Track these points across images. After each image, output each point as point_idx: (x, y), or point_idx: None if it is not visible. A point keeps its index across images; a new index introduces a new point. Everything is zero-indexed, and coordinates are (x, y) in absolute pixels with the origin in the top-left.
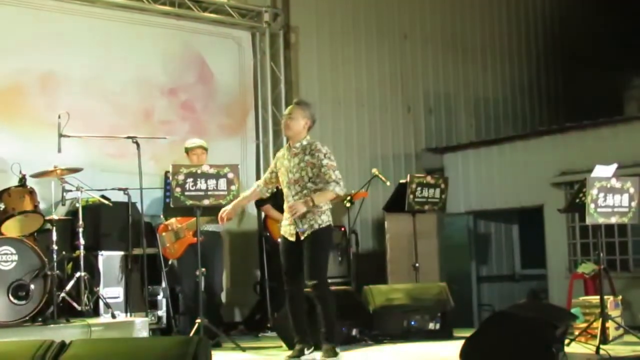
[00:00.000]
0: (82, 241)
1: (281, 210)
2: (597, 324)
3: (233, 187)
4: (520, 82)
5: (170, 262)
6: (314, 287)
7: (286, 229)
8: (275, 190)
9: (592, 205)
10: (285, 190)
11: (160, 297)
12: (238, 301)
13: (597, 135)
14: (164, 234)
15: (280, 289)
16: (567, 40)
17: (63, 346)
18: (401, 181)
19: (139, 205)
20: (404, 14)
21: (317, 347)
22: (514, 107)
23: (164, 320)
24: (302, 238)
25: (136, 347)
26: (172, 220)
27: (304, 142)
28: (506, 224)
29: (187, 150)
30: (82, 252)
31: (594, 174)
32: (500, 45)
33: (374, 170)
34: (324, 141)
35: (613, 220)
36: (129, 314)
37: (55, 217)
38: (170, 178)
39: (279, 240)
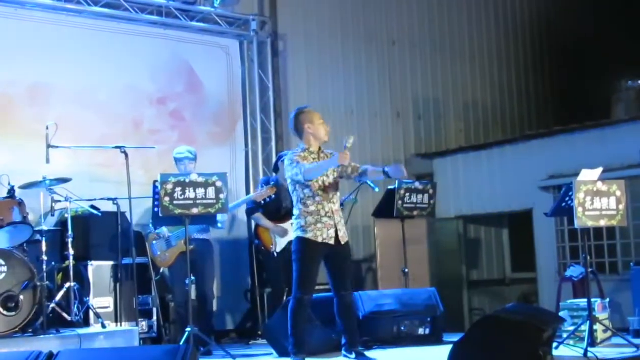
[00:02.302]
0: (71, 251)
1: (271, 219)
2: (585, 327)
3: (222, 196)
4: (509, 87)
5: (161, 271)
6: (351, 294)
7: (324, 232)
8: (269, 199)
9: (580, 209)
10: (321, 193)
11: (150, 306)
12: (229, 309)
13: (585, 138)
14: (154, 242)
15: (273, 296)
16: (555, 45)
17: (50, 357)
18: (389, 187)
19: (128, 215)
20: (392, 20)
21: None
22: (502, 111)
23: (155, 329)
24: (342, 243)
25: (124, 356)
26: (164, 229)
27: (321, 148)
28: (496, 228)
29: (176, 160)
30: (71, 262)
31: (579, 178)
32: (488, 50)
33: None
34: None
35: (602, 223)
36: (119, 324)
37: (44, 227)
38: (159, 187)
39: (304, 246)
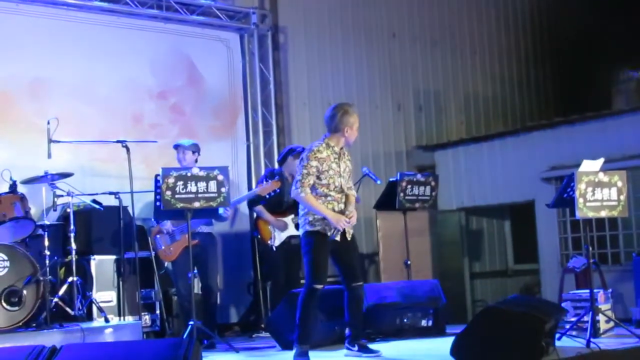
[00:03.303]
0: (74, 246)
1: (272, 212)
2: (588, 318)
3: (223, 189)
4: (510, 78)
5: (165, 265)
6: (362, 286)
7: (332, 229)
8: (273, 193)
9: (581, 200)
10: (333, 194)
11: (153, 299)
12: (232, 302)
13: (586, 129)
14: (158, 236)
15: (274, 290)
16: (555, 36)
17: (54, 351)
18: (391, 179)
19: (130, 209)
20: (392, 12)
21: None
22: (503, 103)
23: (158, 323)
24: (349, 238)
25: (127, 350)
26: (167, 222)
27: (342, 148)
28: (498, 219)
29: (176, 147)
30: (74, 256)
31: (581, 169)
32: (489, 41)
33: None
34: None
35: (603, 214)
36: (122, 318)
37: (46, 222)
38: (161, 181)
39: (315, 238)
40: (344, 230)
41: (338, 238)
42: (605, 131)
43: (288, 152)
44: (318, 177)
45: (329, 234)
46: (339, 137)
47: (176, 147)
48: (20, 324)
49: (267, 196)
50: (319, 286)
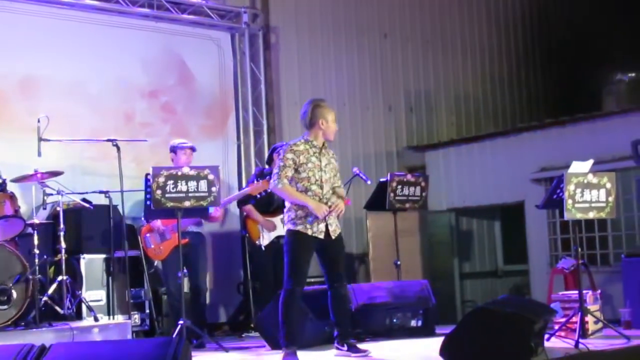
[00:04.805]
0: (63, 245)
1: (261, 212)
2: (576, 318)
3: (214, 189)
4: (500, 79)
5: (155, 264)
6: (345, 285)
7: (314, 226)
8: (264, 193)
9: (570, 201)
10: (314, 188)
11: (143, 299)
12: (221, 302)
13: (576, 131)
14: (148, 235)
15: (263, 289)
16: (546, 37)
17: (43, 350)
18: (381, 180)
19: (120, 208)
20: (384, 12)
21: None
22: (494, 104)
23: (147, 322)
24: (333, 237)
25: (116, 349)
26: (157, 222)
27: (324, 144)
28: (488, 220)
29: (176, 149)
30: (63, 255)
31: (570, 170)
32: (480, 42)
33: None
34: None
35: (591, 215)
36: (111, 317)
37: (36, 221)
38: (151, 180)
39: (294, 238)
40: (327, 229)
41: (322, 236)
42: (595, 132)
43: (273, 151)
44: (297, 171)
45: (309, 233)
46: (316, 132)
47: (184, 148)
48: (9, 322)
49: (258, 196)
50: (297, 288)
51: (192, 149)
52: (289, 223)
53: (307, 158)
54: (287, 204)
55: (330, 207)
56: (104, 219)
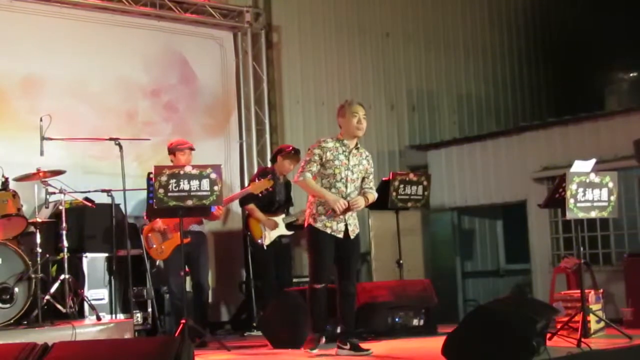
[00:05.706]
0: (65, 243)
1: (263, 211)
2: (579, 318)
3: (216, 188)
4: (503, 79)
5: (157, 263)
6: (355, 285)
7: (334, 225)
8: (265, 191)
9: (572, 200)
10: (338, 185)
11: (145, 297)
12: (223, 301)
13: (578, 130)
14: (150, 234)
15: (265, 288)
16: (549, 37)
17: (46, 349)
18: (384, 179)
19: (122, 207)
20: (386, 12)
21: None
22: (496, 103)
23: (150, 321)
24: (351, 237)
25: (118, 348)
26: (158, 221)
27: (357, 145)
28: (490, 219)
29: (175, 151)
30: (66, 254)
31: (572, 169)
32: (482, 42)
33: None
34: (309, 141)
35: (593, 214)
36: (113, 316)
37: (38, 219)
38: (153, 179)
39: (314, 235)
40: (347, 228)
41: (341, 235)
42: (597, 132)
43: (278, 152)
44: (323, 167)
45: (328, 231)
46: (344, 132)
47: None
48: (12, 321)
49: (260, 195)
50: (318, 286)
51: (191, 148)
52: (309, 218)
53: (335, 155)
54: (310, 197)
55: (348, 202)
56: (106, 218)
